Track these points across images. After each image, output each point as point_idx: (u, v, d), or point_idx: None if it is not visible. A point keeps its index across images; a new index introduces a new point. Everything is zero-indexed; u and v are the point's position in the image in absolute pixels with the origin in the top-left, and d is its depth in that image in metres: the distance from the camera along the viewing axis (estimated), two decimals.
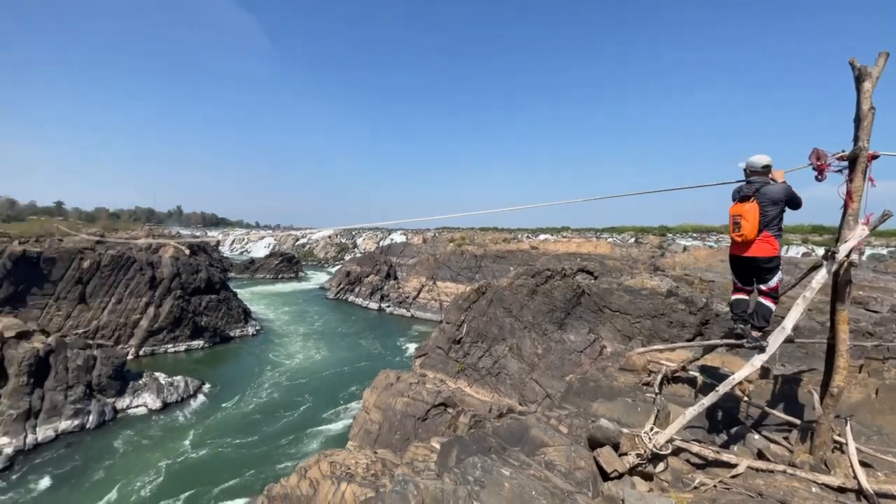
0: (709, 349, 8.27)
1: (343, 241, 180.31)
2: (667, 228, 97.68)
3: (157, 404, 36.32)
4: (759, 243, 5.81)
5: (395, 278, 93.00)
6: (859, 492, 4.89)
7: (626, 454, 5.74)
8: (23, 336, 35.07)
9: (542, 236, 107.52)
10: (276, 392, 40.71)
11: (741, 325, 6.31)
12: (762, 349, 5.62)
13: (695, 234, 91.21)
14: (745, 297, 6.44)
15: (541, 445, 6.72)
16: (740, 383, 6.60)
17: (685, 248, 67.92)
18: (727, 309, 23.85)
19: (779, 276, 6.12)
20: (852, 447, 5.32)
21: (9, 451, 28.34)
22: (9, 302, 45.63)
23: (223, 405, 37.33)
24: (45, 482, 25.84)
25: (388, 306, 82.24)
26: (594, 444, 6.01)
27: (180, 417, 34.97)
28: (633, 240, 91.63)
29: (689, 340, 23.24)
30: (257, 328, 62.30)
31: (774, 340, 5.47)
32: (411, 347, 56.86)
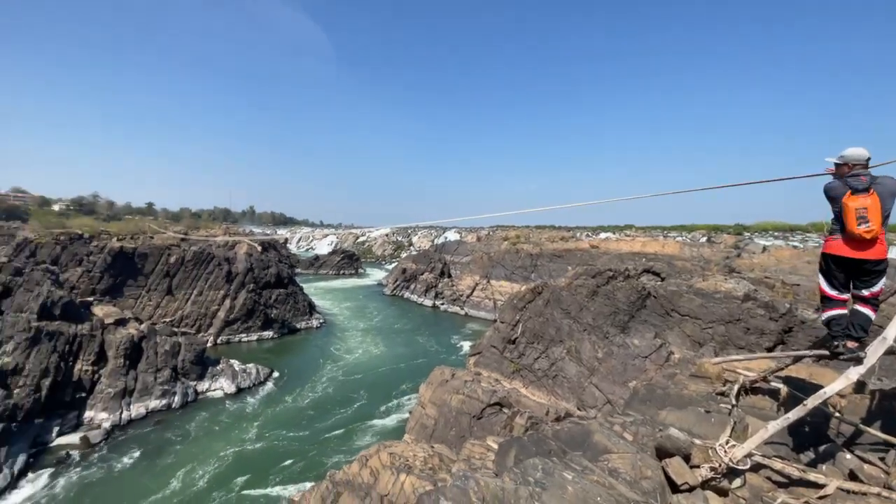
0: (795, 359, 7.62)
1: (399, 239, 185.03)
2: (743, 227, 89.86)
3: (232, 389, 39.51)
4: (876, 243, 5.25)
5: (450, 276, 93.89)
6: None
7: (698, 466, 5.49)
8: (120, 323, 39.71)
9: (602, 235, 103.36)
10: (337, 383, 42.77)
11: (842, 343, 5.60)
12: (859, 361, 5.12)
13: (776, 233, 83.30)
14: (844, 311, 5.78)
15: (604, 451, 6.58)
16: (831, 397, 6.05)
17: (765, 249, 62.18)
18: (815, 315, 21.68)
19: (883, 280, 5.51)
20: None
21: (107, 425, 32.15)
22: (108, 292, 51.72)
23: (289, 393, 39.82)
24: (136, 454, 28.98)
25: (443, 304, 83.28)
26: (662, 453, 5.80)
27: (251, 402, 37.74)
28: (704, 239, 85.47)
29: (769, 349, 21.41)
30: (321, 321, 65.72)
31: (874, 352, 4.98)
32: (465, 345, 57.25)
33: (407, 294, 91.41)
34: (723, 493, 5.32)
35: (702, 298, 25.46)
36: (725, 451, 5.37)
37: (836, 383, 5.25)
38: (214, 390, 39.45)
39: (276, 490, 25.65)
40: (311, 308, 67.71)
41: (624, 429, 7.22)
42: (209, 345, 50.92)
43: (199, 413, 35.39)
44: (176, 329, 46.41)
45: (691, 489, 5.31)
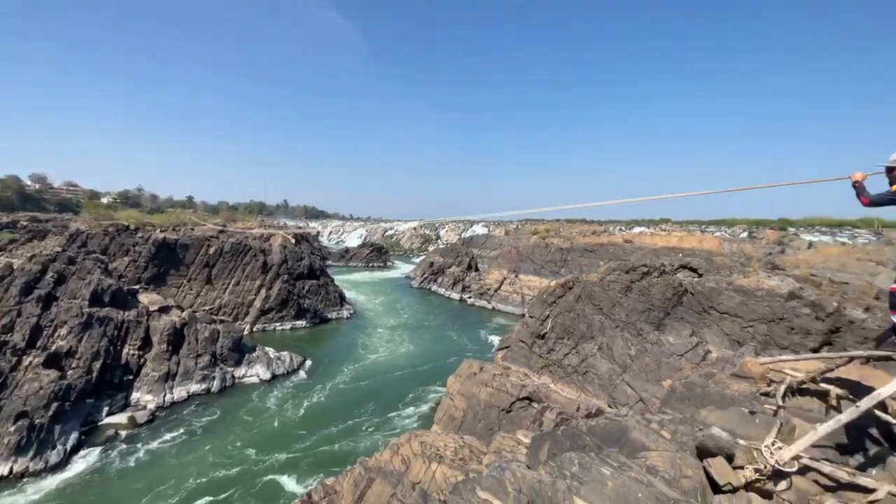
0: (847, 361, 7.30)
1: (427, 232, 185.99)
2: (788, 222, 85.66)
3: (267, 375, 40.96)
4: None
5: (477, 270, 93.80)
6: None
7: (741, 468, 5.40)
8: (163, 310, 41.84)
9: (637, 229, 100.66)
10: (366, 373, 43.68)
11: None
12: None
13: (823, 229, 78.80)
14: None
15: (641, 449, 6.55)
16: (884, 400, 5.79)
17: (811, 245, 59.03)
18: (864, 315, 20.51)
19: None
20: None
21: (151, 406, 33.97)
22: (153, 281, 54.37)
23: (320, 381, 40.97)
24: (177, 435, 30.53)
25: (470, 297, 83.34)
26: (704, 453, 5.73)
27: (285, 389, 39.02)
28: (745, 234, 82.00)
29: (814, 350, 20.44)
30: (351, 312, 67.19)
31: None
32: (492, 339, 57.19)
33: (434, 287, 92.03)
34: (767, 495, 5.22)
35: (742, 296, 24.52)
36: (771, 453, 5.26)
37: (891, 385, 5.05)
38: (250, 376, 40.97)
39: (307, 475, 26.48)
40: (342, 299, 69.28)
41: (661, 427, 7.15)
42: (246, 332, 52.87)
43: (236, 398, 36.93)
44: (215, 317, 48.52)
45: (734, 490, 5.24)
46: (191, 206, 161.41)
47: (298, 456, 28.50)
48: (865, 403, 5.05)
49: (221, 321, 47.14)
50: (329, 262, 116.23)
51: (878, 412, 6.27)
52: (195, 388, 37.22)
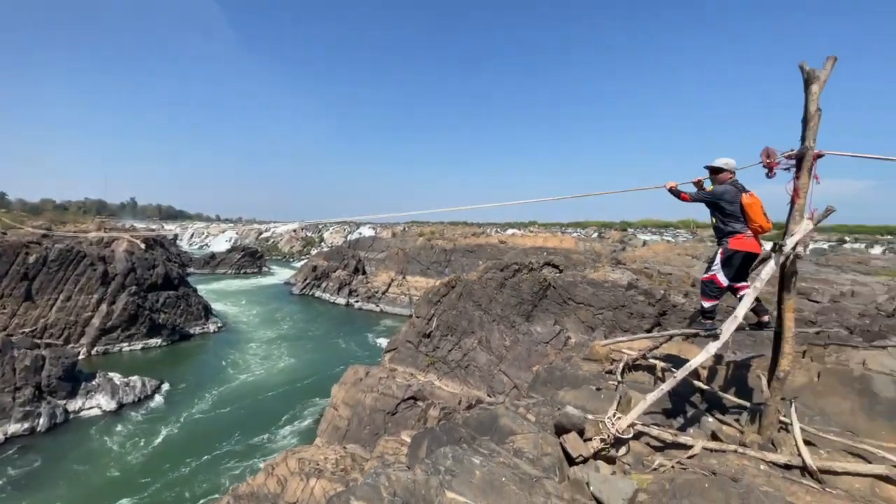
0: (669, 338, 8.70)
1: (309, 234, 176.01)
2: (628, 223, 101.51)
3: (112, 405, 34.56)
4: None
5: (364, 273, 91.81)
6: (804, 468, 5.25)
7: (590, 439, 5.95)
8: None
9: (509, 231, 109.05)
10: (240, 391, 39.46)
11: (718, 324, 6.37)
12: (716, 337, 5.95)
13: (654, 230, 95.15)
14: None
15: (510, 434, 6.86)
16: (696, 369, 6.97)
17: (644, 243, 70.70)
18: (683, 300, 25.09)
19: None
20: (797, 427, 5.69)
21: None
22: None
23: (183, 406, 35.80)
24: None
25: (357, 301, 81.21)
26: (560, 430, 6.19)
27: (137, 419, 33.32)
28: (596, 234, 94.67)
29: (648, 331, 24.23)
30: (218, 325, 60.09)
31: (727, 329, 5.81)
32: (381, 342, 56.45)
33: (318, 293, 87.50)
34: (611, 461, 5.84)
35: (593, 288, 28.03)
36: (613, 423, 5.90)
37: (699, 357, 6.04)
38: (90, 408, 34.21)
39: None
40: (207, 311, 61.58)
41: (527, 410, 7.61)
42: (82, 357, 43.87)
43: (70, 436, 30.52)
44: (39, 340, 39.43)
45: (585, 460, 5.74)
46: (2, 204, 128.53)
47: (154, 495, 24.27)
48: (681, 373, 5.95)
49: (48, 345, 38.51)
50: (191, 270, 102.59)
51: (693, 380, 7.57)
52: (14, 428, 29.96)
